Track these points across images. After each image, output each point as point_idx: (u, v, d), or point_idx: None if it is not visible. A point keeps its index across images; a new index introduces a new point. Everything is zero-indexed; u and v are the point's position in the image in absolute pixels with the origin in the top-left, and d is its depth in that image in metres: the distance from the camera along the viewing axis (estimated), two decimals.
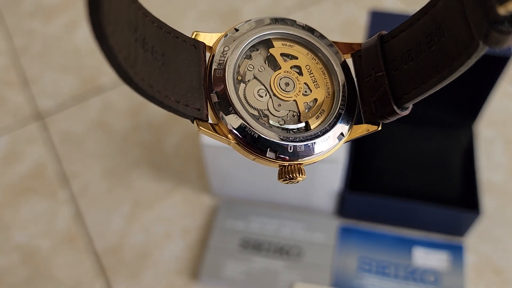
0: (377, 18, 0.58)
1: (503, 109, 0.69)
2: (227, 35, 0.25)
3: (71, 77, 0.75)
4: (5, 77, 0.76)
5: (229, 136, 0.23)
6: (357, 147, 0.62)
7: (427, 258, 0.57)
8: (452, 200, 0.59)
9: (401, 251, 0.57)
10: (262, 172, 0.55)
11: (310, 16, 0.81)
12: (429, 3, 0.22)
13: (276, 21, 0.25)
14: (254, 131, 0.23)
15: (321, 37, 0.26)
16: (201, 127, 0.23)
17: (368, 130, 0.24)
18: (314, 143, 0.23)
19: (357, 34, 0.76)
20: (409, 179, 0.61)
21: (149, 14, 0.22)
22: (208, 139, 0.53)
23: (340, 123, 0.24)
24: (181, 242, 0.60)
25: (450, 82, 0.21)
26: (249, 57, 0.25)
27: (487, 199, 0.61)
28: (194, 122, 0.23)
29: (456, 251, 0.57)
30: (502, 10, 0.17)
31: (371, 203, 0.57)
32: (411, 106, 0.23)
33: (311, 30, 0.26)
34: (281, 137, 0.23)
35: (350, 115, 0.24)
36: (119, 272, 0.58)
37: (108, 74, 0.75)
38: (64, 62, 0.77)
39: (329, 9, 0.82)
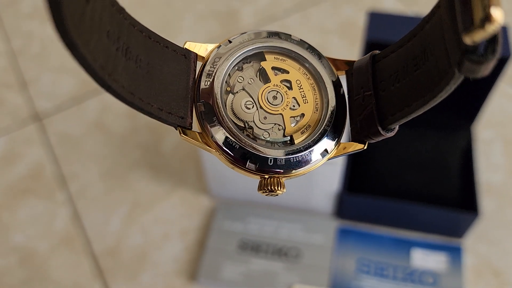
0: (376, 19, 0.58)
1: (502, 110, 0.69)
2: (220, 46, 0.25)
3: (69, 78, 0.75)
4: (3, 78, 0.76)
5: (212, 145, 0.23)
6: None
7: (425, 260, 0.57)
8: (451, 201, 0.59)
9: (399, 253, 0.57)
10: None
11: (309, 17, 0.81)
12: (418, 25, 0.22)
13: (271, 35, 0.26)
14: (235, 142, 0.23)
15: (316, 52, 0.26)
16: (183, 135, 0.23)
17: (353, 148, 0.24)
18: (296, 157, 0.23)
19: (356, 35, 0.76)
20: (407, 180, 0.61)
21: (137, 24, 0.22)
22: None
23: (325, 139, 0.24)
24: (179, 244, 0.60)
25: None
26: (240, 68, 0.25)
27: (486, 200, 0.61)
28: (178, 129, 0.23)
29: (455, 253, 0.57)
30: (467, 40, 0.17)
31: (369, 205, 0.57)
32: (396, 127, 0.23)
33: (305, 46, 0.26)
34: (261, 149, 0.23)
35: (337, 132, 0.24)
36: (117, 274, 0.58)
37: None
38: (62, 63, 0.77)
39: (327, 10, 0.82)
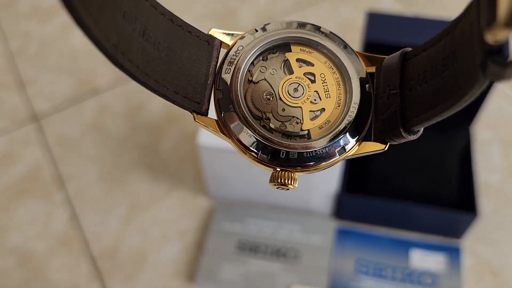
0: (374, 19, 0.58)
1: (500, 111, 0.69)
2: (245, 35, 0.24)
3: (67, 78, 0.75)
4: (1, 78, 0.75)
5: (226, 133, 0.23)
6: None
7: (424, 260, 0.57)
8: (449, 202, 0.59)
9: (398, 253, 0.57)
10: (259, 174, 0.55)
11: (307, 17, 0.81)
12: (451, 23, 0.20)
13: (300, 25, 0.25)
14: (249, 132, 0.23)
15: (345, 46, 0.25)
16: (197, 120, 0.23)
17: (374, 148, 0.23)
18: (310, 152, 0.23)
19: (354, 35, 0.76)
20: (406, 181, 0.61)
21: (160, 6, 0.22)
22: (204, 141, 0.52)
23: (344, 136, 0.23)
24: (177, 245, 0.60)
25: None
26: (265, 58, 0.25)
27: (484, 201, 0.61)
28: (192, 113, 0.23)
29: (453, 253, 0.57)
30: (489, 38, 0.15)
31: (368, 205, 0.57)
32: (421, 130, 0.22)
33: (335, 39, 0.25)
34: (275, 141, 0.23)
35: (358, 130, 0.23)
36: (115, 275, 0.58)
37: (104, 75, 0.74)
38: (60, 63, 0.77)
39: (326, 11, 0.81)
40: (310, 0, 0.83)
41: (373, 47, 0.60)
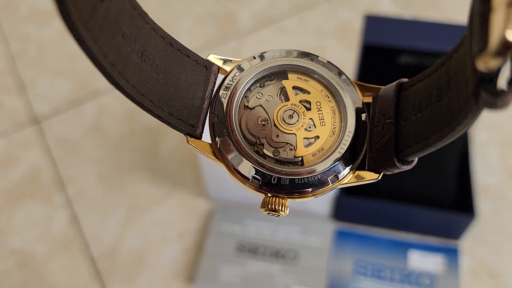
0: (373, 22, 0.58)
1: (498, 112, 0.69)
2: (244, 61, 0.25)
3: (67, 81, 0.75)
4: (1, 81, 0.76)
5: (219, 157, 0.23)
6: None
7: (422, 261, 0.57)
8: (447, 203, 0.59)
9: (396, 254, 0.57)
10: None
11: (306, 20, 0.81)
12: (447, 54, 0.20)
13: (300, 55, 0.25)
14: (242, 157, 0.23)
15: (342, 76, 0.25)
16: (190, 143, 0.23)
17: (367, 177, 0.23)
18: (302, 179, 0.23)
19: (353, 38, 0.77)
20: (404, 182, 0.61)
21: (160, 30, 0.22)
22: None
23: (338, 164, 0.23)
24: (177, 246, 0.60)
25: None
26: (262, 85, 0.25)
27: (482, 202, 0.61)
28: (186, 136, 0.23)
29: (452, 254, 0.57)
30: (480, 65, 0.15)
31: (366, 207, 0.57)
32: (415, 160, 0.22)
33: (332, 68, 0.25)
34: (267, 166, 0.23)
35: (352, 159, 0.24)
36: (115, 277, 0.58)
37: (104, 78, 0.75)
38: (60, 66, 0.77)
39: (324, 13, 0.82)
40: (309, 3, 0.83)
41: (371, 50, 0.60)
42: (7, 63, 0.78)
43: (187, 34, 0.80)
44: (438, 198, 0.59)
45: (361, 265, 0.57)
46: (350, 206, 0.58)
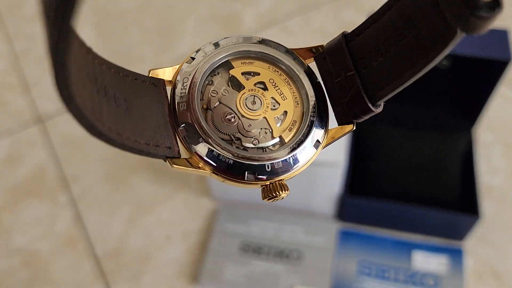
0: None
1: (502, 113, 0.69)
2: (184, 65, 0.24)
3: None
4: (6, 80, 0.76)
5: (204, 167, 0.23)
6: (356, 151, 0.62)
7: (426, 262, 0.57)
8: (451, 204, 0.59)
9: (400, 255, 0.57)
10: None
11: (310, 20, 0.81)
12: None
13: (231, 41, 0.25)
14: (227, 158, 0.22)
15: (279, 46, 0.25)
16: (174, 165, 0.22)
17: (343, 131, 0.24)
18: (292, 156, 0.23)
19: None
20: (408, 183, 0.61)
21: (105, 62, 0.21)
22: None
23: (315, 130, 0.24)
24: (181, 246, 0.60)
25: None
26: (210, 82, 0.24)
27: (486, 203, 0.61)
28: (167, 161, 0.22)
29: (456, 255, 0.57)
30: None
31: (370, 207, 0.57)
32: (383, 103, 0.23)
33: (267, 43, 0.25)
34: (257, 157, 0.23)
35: (323, 120, 0.24)
36: (119, 276, 0.58)
37: None
38: None
39: (328, 14, 0.82)
40: (313, 3, 0.83)
41: None
42: (12, 62, 0.78)
43: (192, 35, 0.80)
44: (442, 199, 0.59)
45: (365, 266, 0.57)
46: (354, 207, 0.58)
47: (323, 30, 0.80)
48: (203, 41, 0.79)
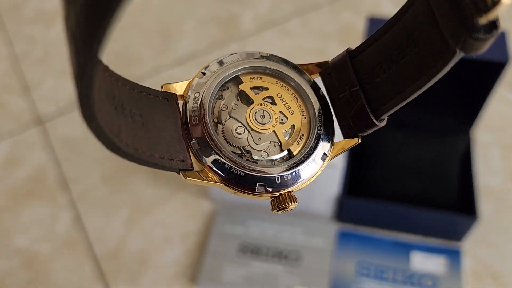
0: (375, 24, 0.58)
1: (500, 114, 0.69)
2: (195, 81, 0.25)
3: (71, 82, 0.75)
4: (6, 82, 0.76)
5: (216, 179, 0.23)
6: (355, 153, 0.62)
7: (425, 263, 0.57)
8: (450, 205, 0.59)
9: (399, 256, 0.58)
10: None
11: (309, 22, 0.81)
12: (394, 17, 0.22)
13: (240, 57, 0.26)
14: (239, 170, 0.23)
15: (286, 62, 0.26)
16: (187, 177, 0.23)
17: (349, 145, 0.25)
18: (300, 169, 0.24)
19: (355, 40, 0.77)
20: (407, 184, 0.61)
21: (121, 78, 0.22)
22: None
23: (321, 143, 0.25)
24: (180, 247, 0.60)
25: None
26: (221, 97, 0.25)
27: (484, 204, 0.61)
28: (180, 173, 0.23)
29: (454, 256, 0.57)
30: (483, 20, 0.18)
31: (369, 208, 0.58)
32: (386, 117, 0.24)
33: (275, 59, 0.26)
34: (266, 170, 0.23)
35: (329, 133, 0.25)
36: (118, 277, 0.58)
37: None
38: (64, 67, 0.77)
39: (327, 15, 0.82)
40: (312, 5, 0.83)
41: None
42: (12, 64, 0.78)
43: (190, 36, 0.81)
44: (440, 200, 0.60)
45: (363, 266, 0.57)
46: (352, 208, 0.58)
47: (321, 31, 0.80)
48: (202, 43, 0.79)
